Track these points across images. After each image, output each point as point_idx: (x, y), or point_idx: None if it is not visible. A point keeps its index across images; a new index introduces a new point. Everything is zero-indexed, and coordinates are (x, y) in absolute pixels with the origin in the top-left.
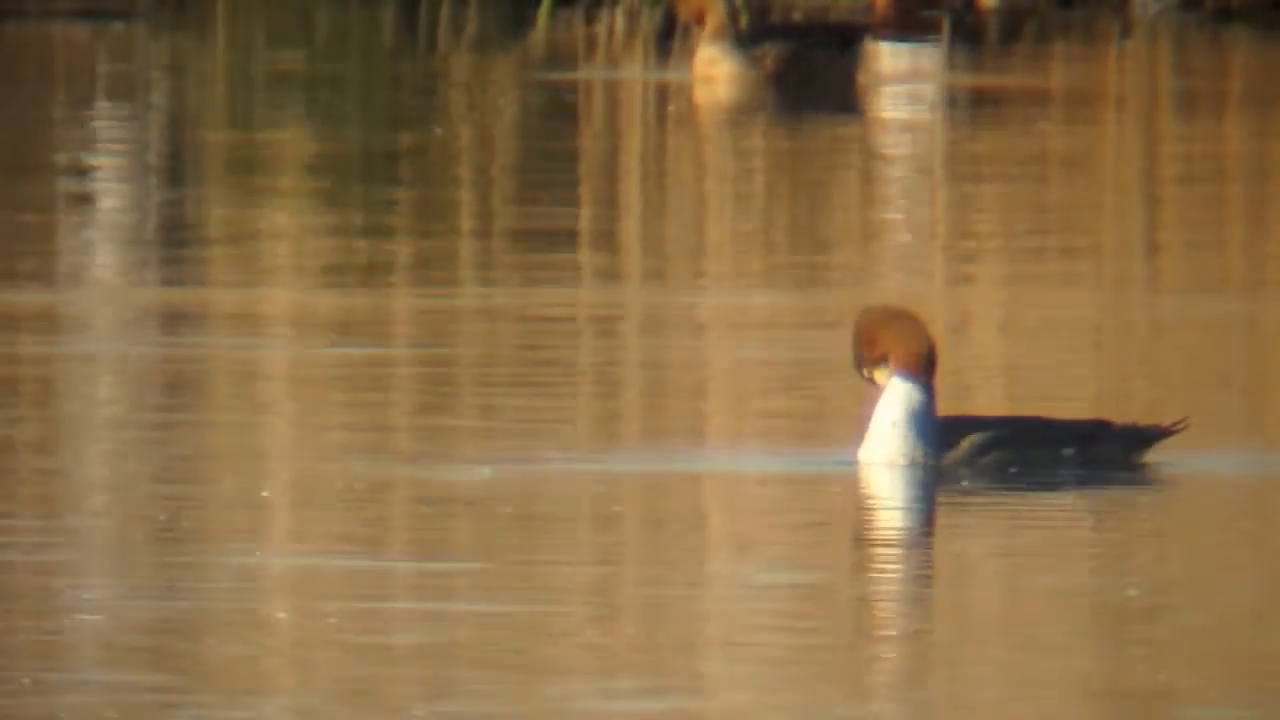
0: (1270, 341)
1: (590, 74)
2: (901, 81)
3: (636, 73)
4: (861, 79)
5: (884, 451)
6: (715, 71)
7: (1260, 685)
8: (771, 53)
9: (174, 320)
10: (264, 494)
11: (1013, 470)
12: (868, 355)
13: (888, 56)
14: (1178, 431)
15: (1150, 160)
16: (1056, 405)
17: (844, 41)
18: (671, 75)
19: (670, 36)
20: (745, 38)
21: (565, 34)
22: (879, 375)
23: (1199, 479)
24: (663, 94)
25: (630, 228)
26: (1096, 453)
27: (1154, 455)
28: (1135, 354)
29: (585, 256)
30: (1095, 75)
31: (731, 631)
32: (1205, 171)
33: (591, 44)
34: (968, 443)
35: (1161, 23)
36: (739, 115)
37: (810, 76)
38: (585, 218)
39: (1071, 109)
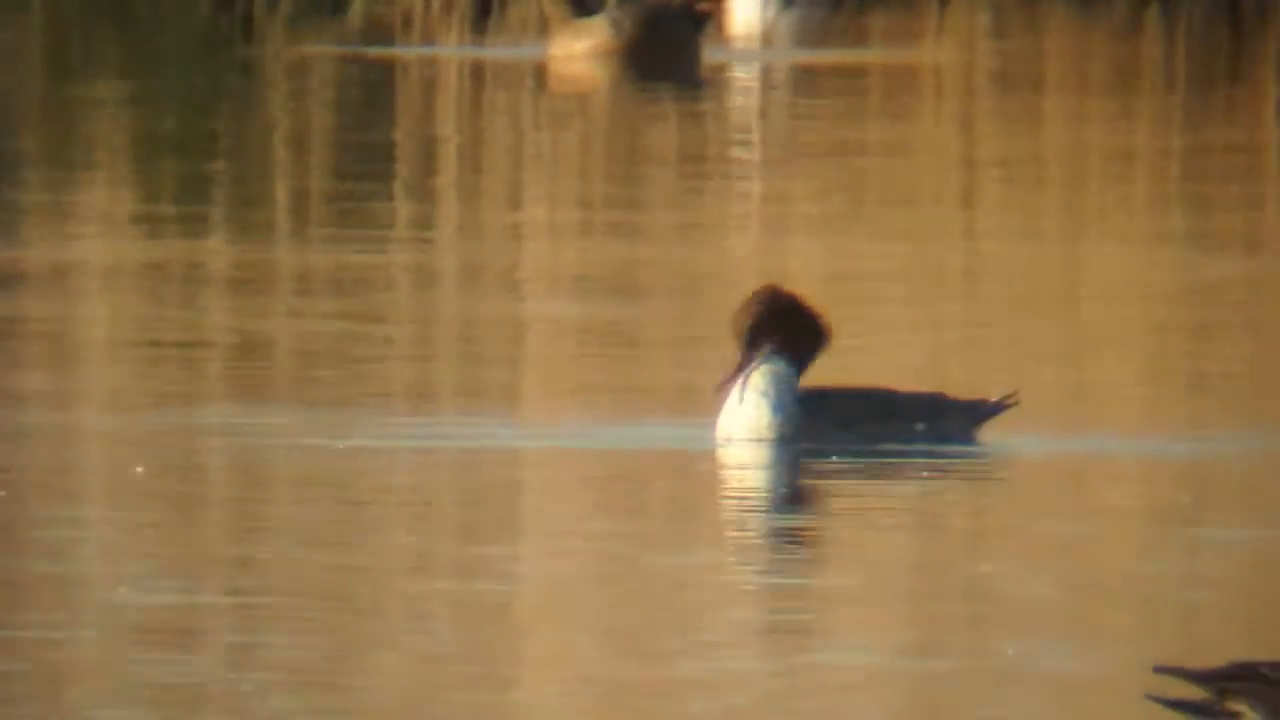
0: (1087, 314)
1: (410, 49)
2: (747, 56)
3: (454, 47)
4: (706, 54)
5: (748, 426)
6: (577, 46)
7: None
8: (628, 19)
9: None
10: (138, 469)
11: (868, 444)
12: (758, 336)
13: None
14: (1010, 406)
15: (966, 136)
16: (881, 365)
17: (694, 18)
18: (493, 51)
19: (487, 12)
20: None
21: (381, 9)
22: (760, 353)
23: (1031, 457)
24: (497, 69)
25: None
26: (941, 426)
27: (989, 430)
28: (960, 321)
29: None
30: (913, 49)
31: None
32: (1020, 149)
33: (408, 19)
34: (826, 416)
35: None
36: (596, 88)
37: (663, 50)
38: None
39: (890, 82)
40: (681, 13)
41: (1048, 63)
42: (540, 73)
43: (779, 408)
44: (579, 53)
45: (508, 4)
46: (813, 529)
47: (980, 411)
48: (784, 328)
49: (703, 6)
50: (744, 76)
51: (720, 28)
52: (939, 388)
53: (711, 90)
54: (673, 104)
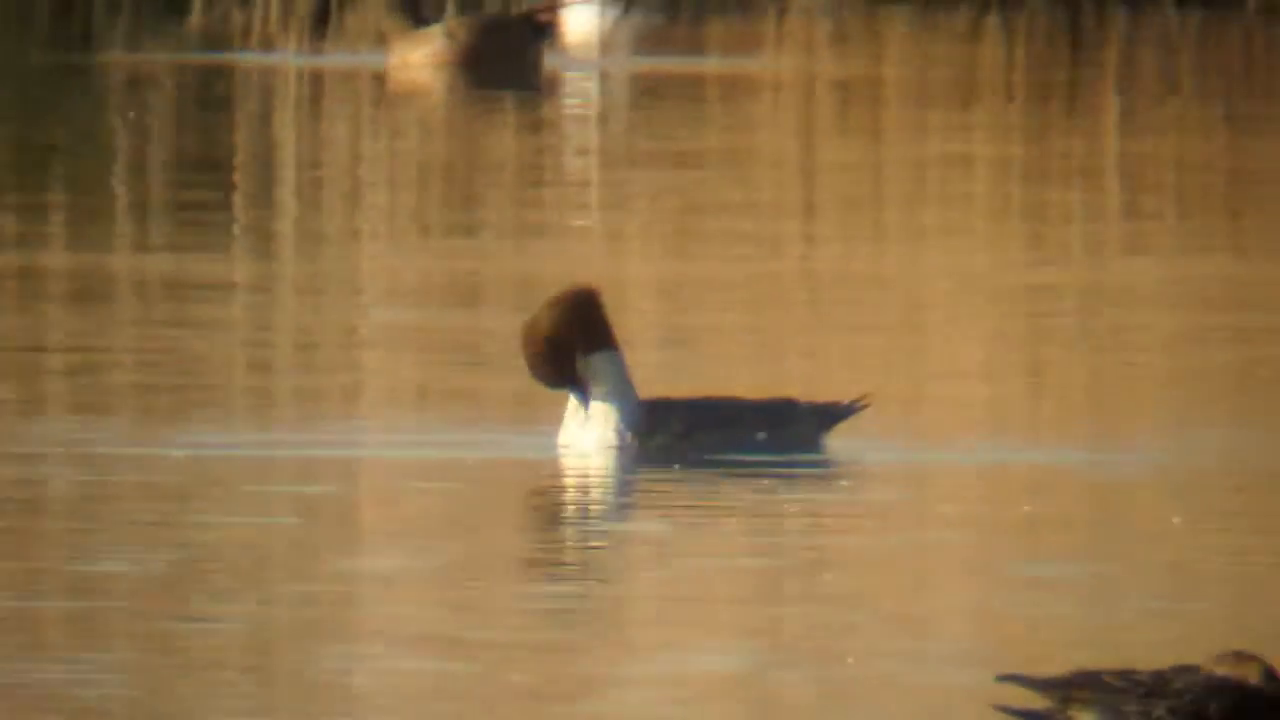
0: (928, 320)
1: (247, 57)
2: (584, 64)
3: (291, 56)
4: (548, 63)
5: (587, 436)
6: (413, 55)
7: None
8: (464, 29)
9: None
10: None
11: (709, 452)
12: (565, 358)
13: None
14: (862, 409)
15: (804, 144)
16: (719, 373)
17: (535, 27)
18: (332, 59)
19: (325, 19)
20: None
21: (220, 17)
22: (580, 368)
23: (874, 463)
24: (337, 76)
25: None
26: (788, 433)
27: (839, 434)
28: (800, 328)
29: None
30: (751, 57)
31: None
32: (859, 158)
33: (246, 27)
34: (669, 425)
35: (817, 5)
36: (432, 97)
37: (501, 59)
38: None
39: (730, 92)
40: (520, 22)
41: (887, 71)
42: (378, 82)
43: (619, 417)
44: (415, 62)
45: (346, 12)
46: (646, 539)
47: (828, 416)
48: (569, 337)
49: (544, 17)
50: (581, 85)
51: (558, 36)
52: (784, 394)
53: (549, 99)
54: (509, 113)
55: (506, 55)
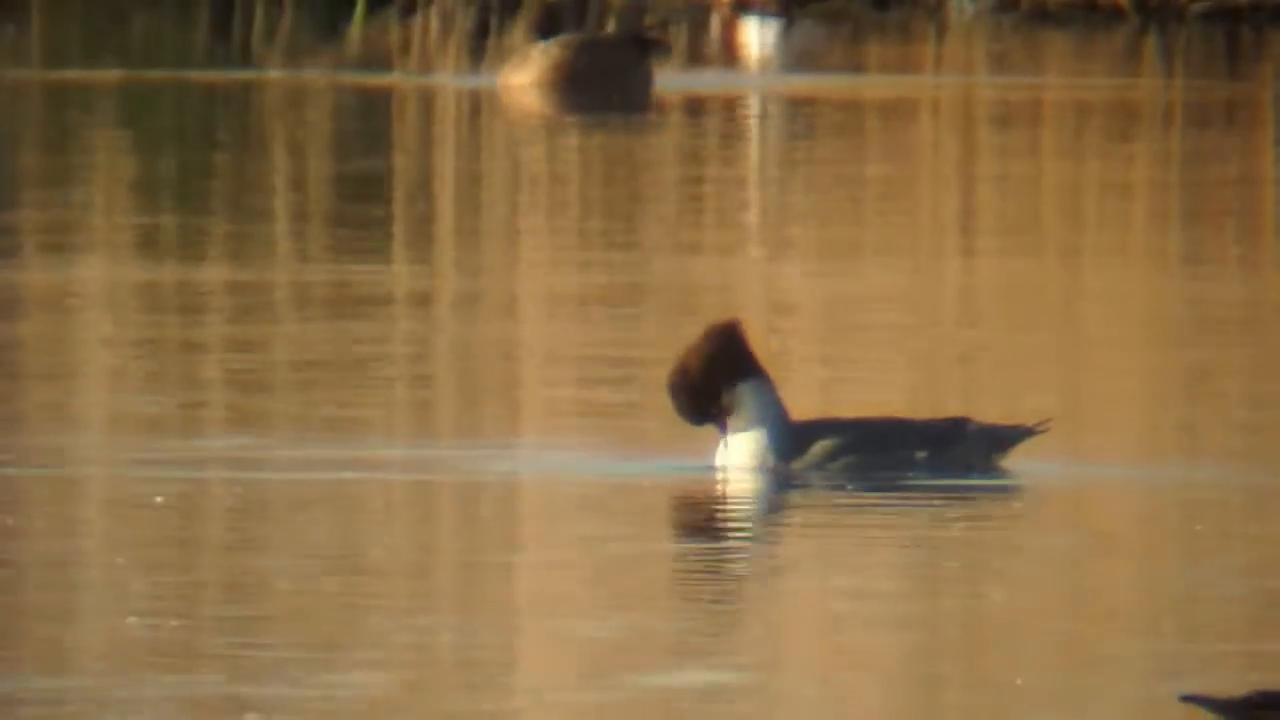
0: (1088, 340)
1: (407, 77)
2: (743, 80)
3: (449, 76)
4: (657, 82)
5: (741, 457)
6: (517, 77)
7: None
8: (561, 49)
9: None
10: (158, 499)
11: (865, 475)
12: (708, 395)
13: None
14: (1040, 432)
15: (964, 169)
16: (874, 398)
17: (642, 45)
18: (486, 78)
19: (485, 37)
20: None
21: (380, 36)
22: (726, 402)
23: (1043, 484)
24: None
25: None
26: (952, 455)
27: (1013, 458)
28: (959, 347)
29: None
30: (911, 79)
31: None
32: (1018, 179)
33: (406, 46)
34: (819, 448)
35: (977, 25)
36: (545, 117)
37: (603, 79)
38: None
39: (887, 111)
40: (625, 41)
41: (1046, 92)
42: (480, 104)
43: (766, 442)
44: (517, 83)
45: (505, 32)
46: (788, 565)
47: (999, 439)
48: (713, 376)
49: (654, 34)
50: (736, 101)
51: (689, 52)
52: (957, 415)
53: (657, 121)
54: (607, 135)
55: (607, 75)
